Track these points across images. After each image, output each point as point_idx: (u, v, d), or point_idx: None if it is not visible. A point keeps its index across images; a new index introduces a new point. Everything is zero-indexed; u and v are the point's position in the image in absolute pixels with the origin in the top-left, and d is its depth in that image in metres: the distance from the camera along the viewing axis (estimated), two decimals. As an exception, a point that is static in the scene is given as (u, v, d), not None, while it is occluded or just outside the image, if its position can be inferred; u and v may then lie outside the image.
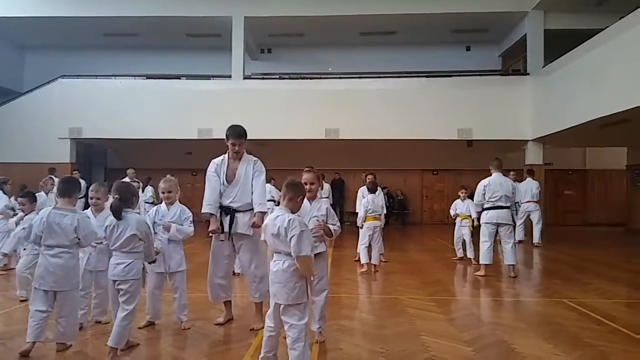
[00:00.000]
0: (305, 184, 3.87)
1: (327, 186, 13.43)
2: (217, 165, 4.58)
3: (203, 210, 4.48)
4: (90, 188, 4.55)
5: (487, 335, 4.38)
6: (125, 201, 3.82)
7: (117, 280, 3.74)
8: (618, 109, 9.80)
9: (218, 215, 4.49)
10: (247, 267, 4.53)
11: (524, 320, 4.91)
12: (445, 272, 7.81)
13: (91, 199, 4.50)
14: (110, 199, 5.56)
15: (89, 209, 4.53)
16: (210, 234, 4.57)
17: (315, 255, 3.75)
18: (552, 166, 16.09)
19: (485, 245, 7.24)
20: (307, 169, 4.07)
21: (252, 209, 4.42)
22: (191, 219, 4.62)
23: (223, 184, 4.50)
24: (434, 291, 6.20)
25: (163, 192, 4.55)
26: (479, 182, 7.44)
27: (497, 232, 7.30)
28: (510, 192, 7.22)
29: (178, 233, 4.50)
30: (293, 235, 3.11)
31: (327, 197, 12.86)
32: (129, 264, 3.73)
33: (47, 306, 3.70)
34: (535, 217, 11.16)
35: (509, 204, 7.23)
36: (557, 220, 16.56)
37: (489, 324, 4.80)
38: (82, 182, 11.40)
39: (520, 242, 11.25)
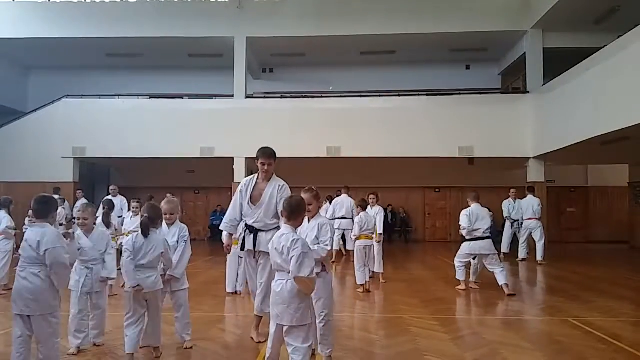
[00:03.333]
0: None
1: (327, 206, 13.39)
2: (245, 184, 4.77)
3: (221, 227, 4.89)
4: (78, 208, 4.57)
5: (491, 355, 4.34)
6: (153, 221, 4.07)
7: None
8: (617, 127, 9.83)
9: (238, 233, 4.76)
10: (266, 281, 4.49)
11: (528, 340, 4.87)
12: (448, 290, 7.75)
13: (78, 219, 4.49)
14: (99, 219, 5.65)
15: (78, 230, 4.51)
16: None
17: None
18: (554, 183, 16.08)
19: (459, 269, 7.65)
20: (306, 189, 4.10)
21: (275, 229, 4.51)
22: (187, 237, 4.61)
23: (248, 203, 4.66)
24: (437, 310, 6.17)
25: (166, 214, 4.56)
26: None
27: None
28: (488, 223, 7.52)
29: (179, 270, 4.51)
30: (294, 256, 3.12)
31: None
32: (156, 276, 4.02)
33: (24, 330, 3.44)
34: (538, 234, 11.12)
35: (489, 234, 7.47)
36: (559, 238, 16.49)
37: (493, 343, 4.76)
38: (84, 201, 11.55)
39: (523, 260, 11.20)
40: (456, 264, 7.65)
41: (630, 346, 4.54)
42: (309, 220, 3.99)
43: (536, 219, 11.17)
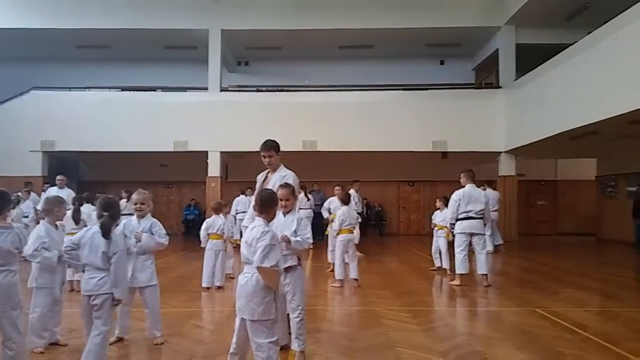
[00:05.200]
0: (281, 199, 3.87)
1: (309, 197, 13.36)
2: (259, 178, 4.81)
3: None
4: (48, 201, 4.46)
5: (462, 345, 4.42)
6: (114, 218, 3.74)
7: (91, 295, 3.64)
8: (586, 122, 10.10)
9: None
10: None
11: (498, 330, 4.97)
12: (421, 282, 7.85)
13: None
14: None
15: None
16: None
17: (286, 268, 3.77)
18: (525, 177, 16.40)
19: (460, 255, 7.32)
20: (283, 184, 4.08)
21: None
22: (163, 231, 4.55)
23: None
24: (410, 302, 6.23)
25: (135, 204, 4.48)
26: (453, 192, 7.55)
27: (470, 242, 7.39)
28: (483, 202, 7.33)
29: (151, 241, 4.41)
30: (260, 246, 3.11)
31: (309, 209, 12.84)
32: (102, 278, 3.63)
33: None
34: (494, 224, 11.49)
35: (481, 215, 7.33)
36: (529, 230, 16.86)
37: (464, 334, 4.84)
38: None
39: (490, 252, 11.42)
40: (457, 255, 7.36)
41: (594, 335, 4.67)
42: (284, 215, 3.98)
43: (494, 211, 11.42)
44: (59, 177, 10.66)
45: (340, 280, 7.34)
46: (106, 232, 3.60)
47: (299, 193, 13.05)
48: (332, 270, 7.93)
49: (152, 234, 4.45)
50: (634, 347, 4.27)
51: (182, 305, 6.09)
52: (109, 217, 3.64)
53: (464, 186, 7.45)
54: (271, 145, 4.65)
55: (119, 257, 3.60)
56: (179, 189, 17.83)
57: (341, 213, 7.59)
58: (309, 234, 3.91)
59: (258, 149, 14.67)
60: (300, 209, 12.62)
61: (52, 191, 10.18)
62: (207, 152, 14.41)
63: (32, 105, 14.54)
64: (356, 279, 7.40)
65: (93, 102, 14.72)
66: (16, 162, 14.10)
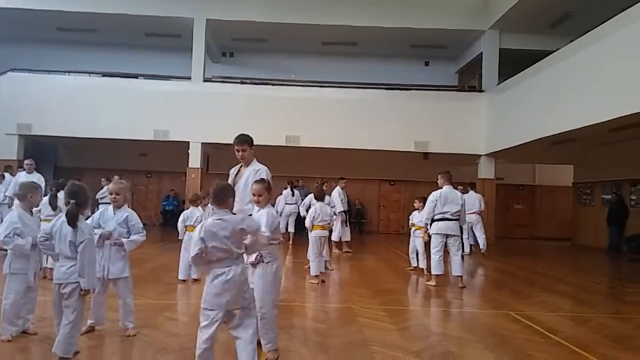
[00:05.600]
0: (254, 194, 3.89)
1: (297, 193, 13.33)
2: (232, 173, 4.80)
3: None
4: (23, 187, 4.35)
5: (435, 346, 4.45)
6: (82, 206, 3.64)
7: (61, 284, 3.57)
8: (566, 128, 10.24)
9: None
10: None
11: (471, 332, 5.01)
12: (398, 281, 7.90)
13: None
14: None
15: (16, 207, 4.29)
16: None
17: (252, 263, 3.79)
18: (504, 181, 16.61)
19: (436, 256, 7.36)
20: (257, 179, 4.08)
21: (250, 215, 4.35)
22: (140, 225, 4.47)
23: None
24: (386, 300, 6.25)
25: (111, 194, 4.40)
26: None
27: (445, 243, 7.44)
28: (459, 204, 7.39)
29: (132, 245, 4.36)
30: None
31: (294, 204, 12.82)
32: (70, 267, 3.56)
33: None
34: (478, 228, 11.56)
35: (457, 216, 7.39)
36: (506, 234, 17.08)
37: (438, 334, 4.88)
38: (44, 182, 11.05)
39: (470, 253, 11.52)
40: (433, 256, 7.36)
41: (565, 339, 4.74)
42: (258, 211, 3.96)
43: (477, 213, 11.51)
44: (26, 161, 10.26)
45: (316, 276, 7.33)
46: (72, 220, 3.52)
47: (285, 189, 13.06)
48: (310, 267, 7.90)
49: (128, 227, 4.38)
50: (603, 353, 4.35)
51: (157, 297, 6.01)
52: (76, 205, 3.55)
53: (441, 187, 7.49)
54: (245, 140, 4.66)
55: (85, 246, 3.52)
56: (158, 179, 17.62)
57: (313, 210, 7.57)
58: (268, 228, 3.76)
59: (238, 142, 14.30)
60: (286, 204, 12.66)
61: (21, 176, 9.85)
62: (188, 142, 14.25)
63: (9, 87, 14.18)
64: (327, 269, 7.46)
65: (73, 87, 14.42)
66: (-9, 144, 13.76)
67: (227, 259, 3.30)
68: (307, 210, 9.51)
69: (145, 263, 8.73)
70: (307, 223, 7.56)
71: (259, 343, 3.93)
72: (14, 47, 16.31)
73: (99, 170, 14.87)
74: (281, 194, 13.16)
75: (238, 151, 4.66)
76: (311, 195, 9.69)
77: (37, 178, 9.49)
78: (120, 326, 4.38)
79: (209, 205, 3.58)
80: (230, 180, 4.71)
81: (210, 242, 3.24)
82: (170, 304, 5.83)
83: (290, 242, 12.31)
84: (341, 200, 11.07)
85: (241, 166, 4.76)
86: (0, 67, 14.62)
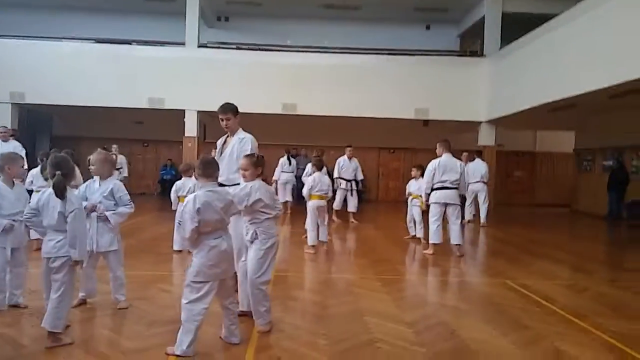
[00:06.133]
0: (241, 169, 3.88)
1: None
2: (219, 142, 4.78)
3: None
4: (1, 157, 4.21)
5: (430, 316, 4.41)
6: (68, 176, 3.54)
7: (50, 258, 3.49)
8: (567, 94, 10.02)
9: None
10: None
11: (466, 301, 4.98)
12: (395, 250, 7.86)
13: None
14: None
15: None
16: None
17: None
18: (504, 147, 16.44)
19: (434, 225, 7.30)
20: (246, 155, 4.00)
21: (238, 184, 4.26)
22: (127, 197, 4.36)
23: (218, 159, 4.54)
24: (382, 270, 6.22)
25: (94, 165, 4.29)
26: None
27: (445, 212, 7.35)
28: (458, 172, 7.26)
29: (118, 218, 4.27)
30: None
31: (291, 173, 12.72)
32: (60, 241, 3.47)
33: None
34: (482, 197, 11.35)
35: (456, 185, 7.28)
36: (506, 200, 17.00)
37: (433, 304, 4.85)
38: (15, 144, 10.82)
39: (469, 221, 11.46)
40: (431, 225, 7.28)
41: (561, 308, 4.71)
42: None
43: (482, 182, 11.38)
44: (0, 128, 9.56)
45: (313, 246, 7.28)
46: (60, 191, 3.42)
47: (282, 157, 12.88)
48: (307, 237, 7.83)
49: (114, 199, 4.28)
50: (599, 322, 4.31)
51: (151, 268, 5.98)
52: (62, 176, 3.45)
53: (440, 156, 7.36)
54: (229, 108, 4.61)
55: (75, 216, 3.43)
56: (155, 147, 17.43)
57: (312, 179, 7.44)
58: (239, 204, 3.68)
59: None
60: (282, 171, 12.52)
61: None
62: (184, 110, 14.02)
63: (0, 55, 13.87)
64: (324, 242, 7.37)
65: (66, 53, 14.05)
66: (-17, 113, 13.53)
67: (220, 229, 3.38)
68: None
69: (141, 233, 8.70)
70: (305, 192, 7.45)
71: (250, 313, 3.92)
72: (4, 13, 15.88)
73: (95, 139, 14.68)
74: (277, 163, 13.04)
75: (222, 120, 4.60)
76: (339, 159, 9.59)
77: (14, 147, 8.92)
78: (112, 299, 4.34)
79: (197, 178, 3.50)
80: (217, 151, 4.69)
81: (206, 214, 3.26)
82: (164, 275, 5.80)
83: (288, 211, 12.25)
84: (342, 169, 10.97)
85: (227, 136, 4.69)
86: (-10, 33, 14.25)
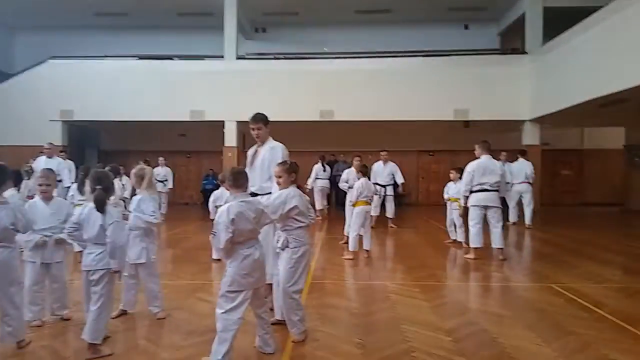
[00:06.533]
0: (275, 176, 3.92)
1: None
2: (250, 153, 4.78)
3: None
4: (39, 175, 4.37)
5: (469, 323, 4.28)
6: (107, 191, 3.67)
7: (90, 271, 3.61)
8: (616, 89, 9.62)
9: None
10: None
11: (508, 307, 4.81)
12: (435, 255, 7.70)
13: (40, 185, 4.26)
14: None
15: (36, 196, 4.30)
16: None
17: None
18: (549, 146, 15.90)
19: (474, 228, 7.11)
20: (280, 162, 4.01)
21: (270, 193, 4.33)
22: (150, 209, 4.36)
23: (249, 169, 4.60)
24: (421, 276, 6.09)
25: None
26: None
27: (486, 215, 7.15)
28: (498, 174, 7.04)
29: (138, 222, 4.36)
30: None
31: (326, 179, 12.68)
32: (99, 254, 3.58)
33: None
34: (527, 198, 10.96)
35: (497, 187, 7.06)
36: (553, 201, 16.44)
37: (473, 311, 4.70)
38: (71, 163, 11.28)
39: (514, 223, 11.13)
40: (471, 229, 7.14)
41: (610, 314, 4.48)
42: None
43: (527, 182, 11.01)
44: (46, 145, 9.98)
45: (354, 252, 7.23)
46: (100, 206, 3.55)
47: (316, 163, 12.88)
48: (346, 242, 7.79)
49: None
50: (652, 328, 4.08)
51: (190, 277, 6.08)
52: (102, 191, 3.58)
53: (478, 157, 7.17)
54: (260, 118, 4.62)
55: (114, 228, 3.55)
56: (197, 158, 17.83)
57: (359, 185, 7.41)
58: (271, 214, 3.69)
59: (276, 119, 14.51)
60: (316, 178, 12.52)
61: (41, 161, 9.58)
62: (223, 121, 14.29)
63: (50, 74, 14.57)
64: (368, 250, 7.30)
65: (110, 71, 14.67)
66: (36, 131, 14.15)
67: (252, 239, 3.42)
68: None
69: (184, 242, 8.89)
70: (353, 197, 7.41)
71: (285, 324, 3.92)
72: (54, 34, 16.72)
73: (141, 152, 15.11)
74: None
75: (253, 129, 4.62)
76: (348, 170, 9.48)
77: (57, 163, 9.43)
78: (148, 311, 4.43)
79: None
80: (248, 161, 4.70)
81: (239, 224, 3.30)
82: (204, 284, 5.88)
83: (325, 217, 12.25)
84: (377, 174, 10.83)
85: (258, 146, 4.70)
86: (41, 55, 15.01)
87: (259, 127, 4.61)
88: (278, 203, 3.71)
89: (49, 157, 9.91)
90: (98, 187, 3.60)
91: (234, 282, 3.31)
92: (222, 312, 3.30)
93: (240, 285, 3.31)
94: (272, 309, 4.04)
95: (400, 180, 10.98)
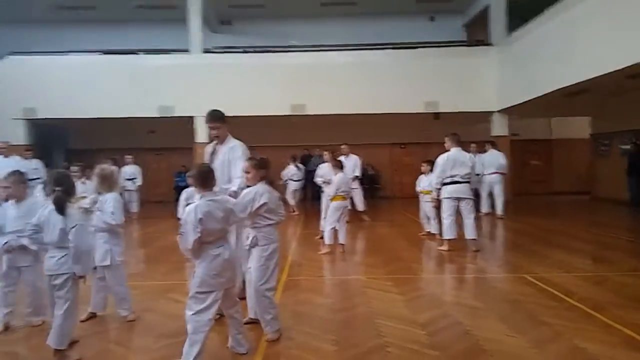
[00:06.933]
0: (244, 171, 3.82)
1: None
2: (209, 151, 4.62)
3: None
4: (4, 177, 4.21)
5: (443, 316, 4.29)
6: (68, 192, 3.54)
7: (52, 275, 3.47)
8: (581, 79, 9.76)
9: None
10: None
11: (482, 299, 4.84)
12: (409, 248, 7.73)
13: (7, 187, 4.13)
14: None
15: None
16: None
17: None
18: (519, 137, 16.16)
19: (447, 220, 7.15)
20: (248, 158, 3.96)
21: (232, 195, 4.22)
22: (110, 209, 4.21)
23: None
24: (396, 269, 6.11)
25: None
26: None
27: (458, 206, 7.20)
28: (469, 166, 7.10)
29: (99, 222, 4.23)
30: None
31: (300, 181, 12.64)
32: (61, 257, 3.45)
33: None
34: (498, 189, 11.10)
35: (468, 179, 7.12)
36: (523, 190, 16.71)
37: (447, 304, 4.72)
38: (38, 163, 10.92)
39: (486, 214, 11.26)
40: (444, 221, 7.14)
41: (580, 302, 4.56)
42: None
43: (499, 173, 11.16)
44: (0, 143, 9.56)
45: (330, 245, 7.20)
46: (60, 207, 3.42)
47: (289, 164, 12.69)
48: (322, 237, 7.73)
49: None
50: (619, 315, 4.16)
51: (162, 277, 5.96)
52: (63, 192, 3.44)
53: (448, 150, 7.21)
54: (217, 116, 4.42)
55: (77, 231, 3.41)
56: (168, 155, 17.50)
57: (337, 179, 7.36)
58: (240, 207, 3.64)
59: (246, 114, 14.36)
60: (289, 180, 12.40)
61: None
62: (193, 117, 14.05)
63: (10, 71, 13.98)
64: (342, 244, 7.28)
65: (74, 67, 14.20)
66: (-1, 131, 13.71)
67: (221, 238, 3.33)
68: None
69: (156, 241, 8.73)
70: (331, 192, 7.34)
71: (259, 322, 3.87)
72: (11, 29, 16.09)
73: (110, 150, 14.78)
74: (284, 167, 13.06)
75: (211, 129, 4.43)
76: (322, 165, 9.45)
77: (15, 162, 9.06)
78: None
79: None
80: (206, 159, 4.53)
81: (208, 224, 3.21)
82: (176, 284, 5.74)
83: (297, 213, 12.25)
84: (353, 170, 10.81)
85: (216, 144, 4.53)
86: (0, 51, 14.42)
87: (217, 126, 4.39)
88: (247, 201, 3.64)
89: (5, 156, 9.52)
90: (58, 188, 3.46)
91: (204, 283, 3.24)
92: (192, 314, 3.22)
93: (210, 286, 3.24)
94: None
95: (357, 172, 10.78)
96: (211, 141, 4.72)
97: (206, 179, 3.37)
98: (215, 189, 4.09)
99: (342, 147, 10.80)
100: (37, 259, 4.11)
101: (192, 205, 3.29)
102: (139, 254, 7.65)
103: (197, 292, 3.24)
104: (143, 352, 3.58)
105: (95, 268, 4.19)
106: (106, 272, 4.27)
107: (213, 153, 4.52)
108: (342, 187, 7.32)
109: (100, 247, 4.19)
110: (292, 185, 12.58)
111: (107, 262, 4.22)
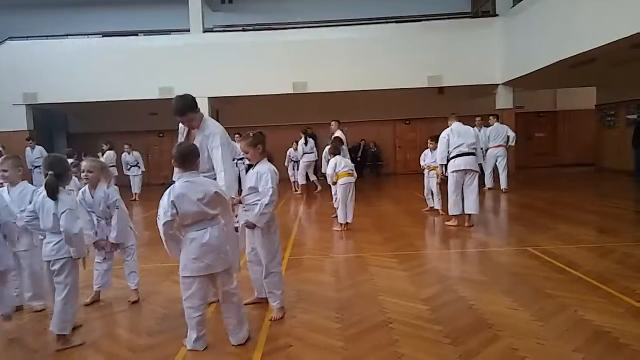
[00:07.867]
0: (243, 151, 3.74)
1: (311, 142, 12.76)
2: (181, 131, 4.25)
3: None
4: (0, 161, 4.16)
5: (446, 291, 4.27)
6: (60, 177, 3.47)
7: (50, 261, 3.46)
8: (586, 48, 9.60)
9: None
10: None
11: (486, 273, 4.82)
12: (413, 224, 7.69)
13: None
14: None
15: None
16: None
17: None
18: (524, 109, 15.98)
19: (453, 195, 7.10)
20: (242, 135, 3.81)
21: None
22: (118, 201, 4.25)
23: None
24: (400, 246, 6.09)
25: (83, 171, 4.24)
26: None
27: (463, 181, 7.14)
28: (472, 138, 7.05)
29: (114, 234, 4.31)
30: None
31: (311, 153, 12.49)
32: (57, 242, 3.42)
33: None
34: (502, 162, 10.99)
35: (474, 150, 7.07)
36: (528, 163, 16.62)
37: (450, 278, 4.70)
38: (40, 149, 10.90)
39: (489, 189, 11.19)
40: (450, 196, 7.09)
41: (585, 274, 4.53)
42: (247, 169, 3.80)
43: (503, 146, 11.05)
44: None
45: (341, 224, 7.19)
46: (52, 192, 3.36)
47: (300, 139, 12.52)
48: (336, 216, 7.62)
49: (108, 207, 4.23)
50: (626, 286, 4.13)
51: (164, 260, 5.94)
52: (54, 177, 3.38)
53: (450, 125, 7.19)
54: (188, 106, 3.92)
55: (66, 216, 3.34)
56: (170, 137, 17.43)
57: (333, 162, 7.21)
58: (268, 189, 3.58)
59: (248, 94, 14.19)
60: (304, 153, 12.26)
61: None
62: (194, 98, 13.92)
63: (9, 57, 13.94)
64: (348, 222, 7.24)
65: (73, 50, 14.10)
66: (0, 117, 13.70)
67: (201, 221, 3.18)
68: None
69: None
70: (330, 171, 7.22)
71: (267, 300, 3.88)
72: (9, 15, 15.94)
73: (111, 134, 14.81)
74: (291, 144, 12.98)
75: (181, 122, 4.04)
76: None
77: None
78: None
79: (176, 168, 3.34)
80: (179, 139, 4.19)
81: (182, 206, 3.10)
82: (178, 267, 5.75)
83: (317, 191, 12.18)
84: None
85: (191, 128, 4.16)
86: (-1, 36, 14.34)
87: (189, 118, 3.94)
88: (271, 185, 3.60)
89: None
90: (50, 172, 3.39)
91: (186, 267, 3.18)
92: (184, 299, 3.22)
93: (192, 271, 3.15)
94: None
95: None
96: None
97: (185, 160, 3.20)
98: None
99: (332, 123, 10.62)
100: (33, 243, 4.09)
101: (169, 187, 3.19)
102: (142, 236, 7.66)
103: (182, 277, 3.20)
104: (146, 335, 3.58)
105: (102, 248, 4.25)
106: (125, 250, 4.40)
107: (187, 133, 4.17)
108: (342, 164, 7.20)
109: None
110: (305, 159, 12.37)
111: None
